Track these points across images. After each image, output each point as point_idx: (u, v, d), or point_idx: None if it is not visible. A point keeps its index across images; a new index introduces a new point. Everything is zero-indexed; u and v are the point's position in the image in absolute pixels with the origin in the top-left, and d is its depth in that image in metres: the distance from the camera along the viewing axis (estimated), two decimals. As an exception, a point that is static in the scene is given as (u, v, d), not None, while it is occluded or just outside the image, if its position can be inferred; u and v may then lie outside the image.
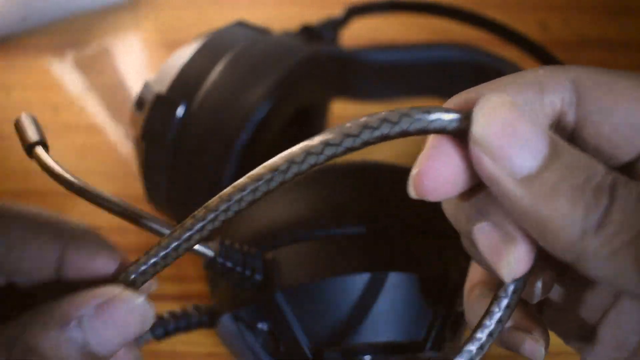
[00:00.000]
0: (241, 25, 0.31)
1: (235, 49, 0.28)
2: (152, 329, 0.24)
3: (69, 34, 0.44)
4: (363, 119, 0.14)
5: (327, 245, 0.22)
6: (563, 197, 0.13)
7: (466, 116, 0.14)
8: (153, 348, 0.29)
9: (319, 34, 0.33)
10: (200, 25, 0.44)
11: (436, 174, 0.15)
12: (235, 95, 0.26)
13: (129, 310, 0.16)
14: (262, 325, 0.22)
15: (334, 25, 0.34)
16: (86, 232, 0.19)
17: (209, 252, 0.21)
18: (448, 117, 0.14)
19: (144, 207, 0.34)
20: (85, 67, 0.42)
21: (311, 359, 0.22)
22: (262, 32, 0.30)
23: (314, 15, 0.43)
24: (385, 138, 0.14)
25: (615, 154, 0.15)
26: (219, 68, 0.27)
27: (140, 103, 0.28)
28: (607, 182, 0.13)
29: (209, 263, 0.21)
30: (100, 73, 0.42)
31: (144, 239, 0.33)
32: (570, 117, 0.15)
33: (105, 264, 0.19)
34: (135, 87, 0.41)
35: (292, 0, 0.45)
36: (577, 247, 0.13)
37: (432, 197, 0.15)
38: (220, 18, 0.44)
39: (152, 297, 0.31)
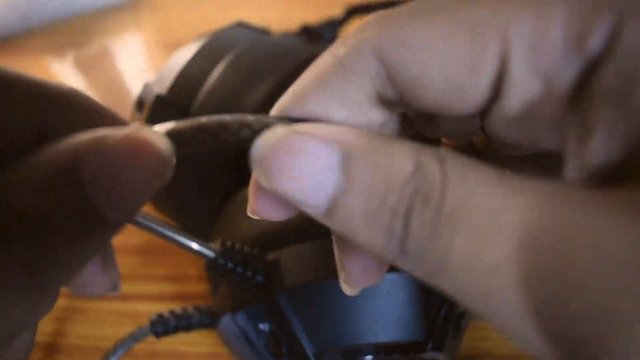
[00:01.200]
0: (241, 26, 0.30)
1: (236, 50, 0.28)
2: (153, 326, 0.24)
3: (69, 34, 0.44)
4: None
5: (329, 246, 0.22)
6: (361, 227, 0.12)
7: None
8: (153, 348, 0.29)
9: (319, 34, 0.33)
10: (200, 25, 0.44)
11: (260, 203, 0.15)
12: (235, 96, 0.26)
13: (151, 151, 0.12)
14: (263, 326, 0.22)
15: (334, 25, 0.34)
16: (72, 91, 0.15)
17: (210, 253, 0.21)
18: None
19: (144, 207, 0.34)
20: (85, 67, 0.42)
21: (312, 359, 0.22)
22: (262, 32, 0.30)
23: (314, 15, 0.43)
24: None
25: (451, 110, 0.13)
26: (219, 69, 0.27)
27: (140, 104, 0.28)
28: (401, 207, 0.12)
29: (210, 264, 0.21)
30: (100, 73, 0.42)
31: (144, 239, 0.33)
32: (390, 92, 0.14)
33: (95, 124, 0.14)
34: (135, 87, 0.41)
35: (292, 0, 0.45)
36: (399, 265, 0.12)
37: (265, 217, 0.15)
38: (220, 18, 0.45)
39: (152, 297, 0.31)
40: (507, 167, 0.16)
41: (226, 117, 0.13)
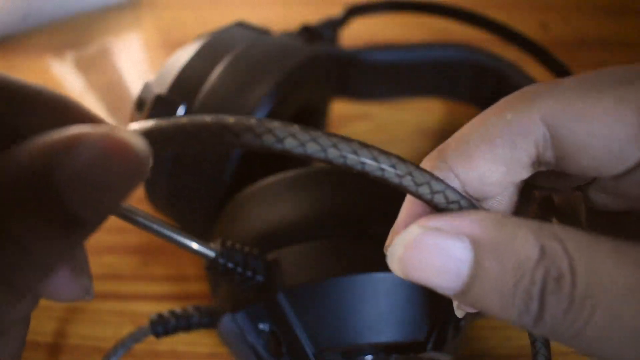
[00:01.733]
0: (241, 25, 0.30)
1: (236, 49, 0.28)
2: (153, 326, 0.24)
3: (69, 34, 0.44)
4: None
5: (329, 246, 0.22)
6: (495, 305, 0.14)
7: None
8: (153, 348, 0.29)
9: (319, 34, 0.33)
10: (200, 25, 0.44)
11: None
12: (235, 96, 0.26)
13: (128, 151, 0.11)
14: (263, 326, 0.22)
15: (334, 25, 0.34)
16: (40, 87, 0.14)
17: (210, 253, 0.21)
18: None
19: (144, 207, 0.34)
20: (85, 67, 0.42)
21: (313, 359, 0.22)
22: (262, 32, 0.30)
23: (314, 15, 0.43)
24: None
25: (601, 173, 0.15)
26: (219, 69, 0.27)
27: (140, 104, 0.28)
28: (535, 289, 0.13)
29: (211, 264, 0.21)
30: (100, 73, 0.42)
31: (144, 239, 0.33)
32: (549, 154, 0.15)
33: (67, 121, 0.14)
34: (135, 87, 0.41)
35: (292, 0, 0.45)
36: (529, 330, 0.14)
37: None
38: (220, 18, 0.45)
39: (152, 297, 0.31)
40: (594, 220, 0.18)
41: (206, 118, 0.13)
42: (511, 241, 0.13)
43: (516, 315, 0.13)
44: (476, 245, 0.13)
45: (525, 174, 0.16)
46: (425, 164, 0.16)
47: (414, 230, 0.14)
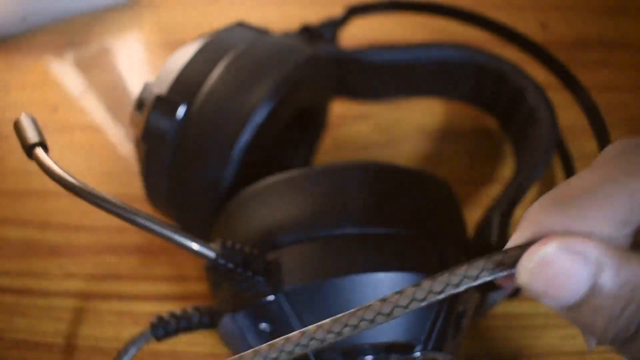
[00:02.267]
0: (241, 25, 0.30)
1: (236, 49, 0.28)
2: (154, 330, 0.24)
3: (69, 34, 0.44)
4: (426, 284, 0.16)
5: (329, 246, 0.22)
6: (599, 324, 0.15)
7: (510, 261, 0.16)
8: (153, 348, 0.29)
9: (319, 34, 0.33)
10: (200, 25, 0.44)
11: (507, 284, 0.19)
12: (235, 96, 0.26)
13: None
14: (263, 326, 0.22)
15: (334, 25, 0.34)
16: None
17: (211, 253, 0.21)
18: (492, 276, 0.16)
19: (144, 207, 0.34)
20: (85, 67, 0.42)
21: (313, 359, 0.22)
22: (262, 32, 0.30)
23: (314, 15, 0.43)
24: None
25: None
26: (219, 69, 0.27)
27: (140, 104, 0.28)
28: (637, 319, 0.15)
29: (211, 264, 0.21)
30: (100, 73, 0.42)
31: (144, 239, 0.33)
32: None
33: None
34: (135, 87, 0.41)
35: (292, 0, 0.45)
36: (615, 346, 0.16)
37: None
38: (220, 18, 0.45)
39: (153, 298, 0.31)
40: None
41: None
42: (629, 268, 0.15)
43: (612, 336, 0.15)
44: (599, 267, 0.15)
45: (628, 232, 0.17)
46: (537, 212, 0.17)
47: (551, 248, 0.15)
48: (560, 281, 0.15)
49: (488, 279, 0.16)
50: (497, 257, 0.16)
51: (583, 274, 0.15)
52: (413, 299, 0.16)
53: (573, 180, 0.17)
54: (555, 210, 0.16)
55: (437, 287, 0.16)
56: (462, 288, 0.16)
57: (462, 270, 0.16)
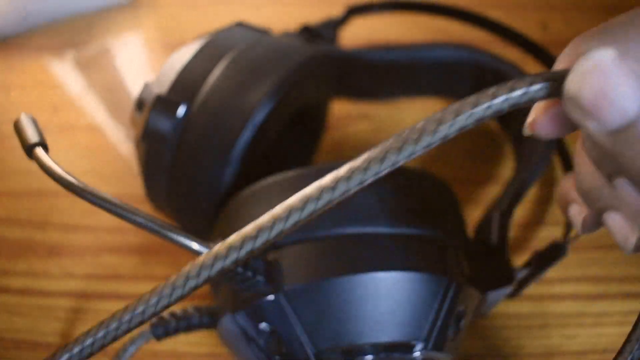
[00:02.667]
0: (241, 25, 0.30)
1: (236, 49, 0.28)
2: (153, 329, 0.24)
3: (69, 34, 0.44)
4: (456, 105, 0.15)
5: (329, 246, 0.22)
6: (638, 162, 0.14)
7: (555, 79, 0.15)
8: (153, 348, 0.29)
9: (319, 34, 0.33)
10: (200, 25, 0.44)
11: (542, 122, 0.17)
12: (235, 96, 0.26)
13: None
14: (263, 326, 0.22)
15: (334, 25, 0.34)
16: None
17: (210, 253, 0.21)
18: (536, 88, 0.15)
19: (144, 207, 0.34)
20: (85, 67, 0.42)
21: (313, 359, 0.22)
22: (262, 32, 0.30)
23: (314, 15, 0.43)
24: (480, 121, 0.15)
25: None
26: (219, 69, 0.27)
27: (140, 104, 0.28)
28: None
29: (210, 264, 0.21)
30: (100, 73, 0.42)
31: (144, 239, 0.33)
32: None
33: None
34: (135, 87, 0.41)
35: (292, 0, 0.45)
36: None
37: (542, 136, 0.18)
38: (220, 18, 0.45)
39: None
40: None
41: None
42: None
43: None
44: None
45: None
46: (580, 39, 0.16)
47: (608, 56, 0.14)
48: (611, 96, 0.14)
49: (539, 88, 0.15)
50: (544, 75, 0.15)
51: (637, 93, 0.14)
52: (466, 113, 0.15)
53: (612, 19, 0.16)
54: (597, 37, 0.16)
55: (484, 99, 0.15)
56: (499, 99, 0.15)
57: (510, 83, 0.15)
